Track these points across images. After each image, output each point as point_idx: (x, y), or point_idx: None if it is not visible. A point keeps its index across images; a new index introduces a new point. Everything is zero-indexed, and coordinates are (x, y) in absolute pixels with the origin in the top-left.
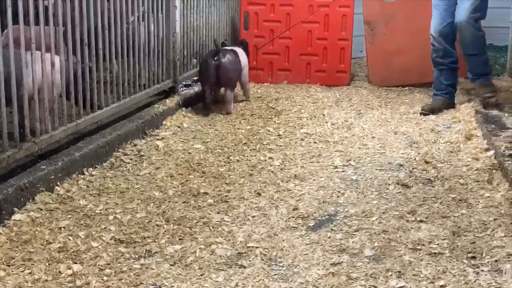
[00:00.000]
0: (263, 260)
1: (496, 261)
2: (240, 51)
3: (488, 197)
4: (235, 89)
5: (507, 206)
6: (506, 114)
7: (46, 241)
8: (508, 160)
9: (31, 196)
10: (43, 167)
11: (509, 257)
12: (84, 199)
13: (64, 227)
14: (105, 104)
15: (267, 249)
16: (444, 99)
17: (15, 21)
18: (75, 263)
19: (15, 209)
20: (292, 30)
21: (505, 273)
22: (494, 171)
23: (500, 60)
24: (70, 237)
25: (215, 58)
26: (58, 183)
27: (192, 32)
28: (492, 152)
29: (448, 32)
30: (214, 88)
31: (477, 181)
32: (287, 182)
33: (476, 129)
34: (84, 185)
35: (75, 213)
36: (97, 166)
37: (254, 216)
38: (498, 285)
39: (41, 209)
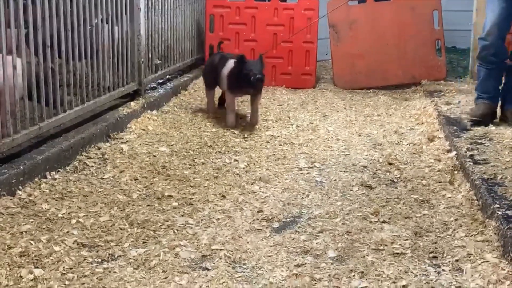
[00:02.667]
0: (227, 262)
1: (457, 260)
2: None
3: (450, 197)
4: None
5: (468, 207)
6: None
7: (8, 245)
8: (469, 161)
9: None
10: (4, 171)
11: (469, 257)
12: (46, 203)
13: (25, 232)
14: (68, 107)
15: (231, 251)
16: (490, 104)
17: None
18: (37, 267)
19: None
20: (258, 33)
21: (465, 273)
22: (455, 172)
23: (463, 62)
24: (32, 242)
25: None
26: (20, 187)
27: (157, 35)
28: (454, 153)
29: (505, 28)
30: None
31: (439, 182)
32: (252, 184)
33: (438, 130)
34: (46, 189)
35: (37, 217)
36: (60, 169)
37: (218, 219)
38: (459, 284)
39: (2, 214)
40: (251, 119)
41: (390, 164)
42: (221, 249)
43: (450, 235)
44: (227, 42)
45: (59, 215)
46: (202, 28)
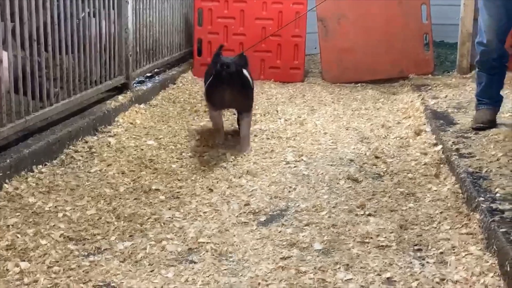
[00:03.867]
0: (213, 255)
1: (441, 253)
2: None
3: (435, 191)
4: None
5: (453, 200)
6: (455, 110)
7: None
8: (455, 154)
9: None
10: None
11: (453, 249)
12: (33, 197)
13: (12, 225)
14: (55, 101)
15: (218, 244)
16: (494, 108)
17: None
18: (23, 260)
19: None
20: (246, 27)
21: (449, 265)
22: (441, 165)
23: (451, 57)
24: (18, 235)
25: None
26: (7, 180)
27: (145, 28)
28: (440, 147)
29: (504, 31)
30: None
31: (425, 176)
32: (239, 178)
33: (425, 124)
34: (33, 182)
35: (23, 210)
36: (46, 163)
37: (205, 212)
38: (443, 276)
39: None
40: (240, 145)
41: (376, 157)
42: (207, 242)
43: (435, 228)
44: (215, 36)
45: (46, 209)
46: (191, 22)
